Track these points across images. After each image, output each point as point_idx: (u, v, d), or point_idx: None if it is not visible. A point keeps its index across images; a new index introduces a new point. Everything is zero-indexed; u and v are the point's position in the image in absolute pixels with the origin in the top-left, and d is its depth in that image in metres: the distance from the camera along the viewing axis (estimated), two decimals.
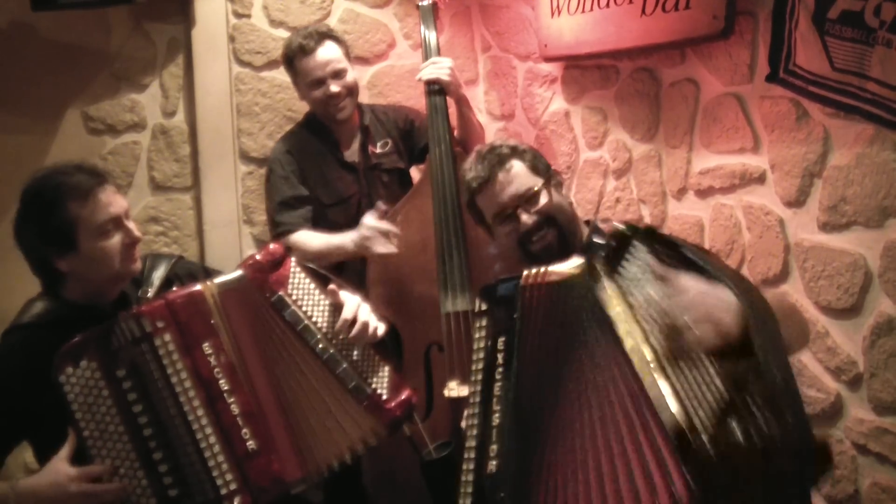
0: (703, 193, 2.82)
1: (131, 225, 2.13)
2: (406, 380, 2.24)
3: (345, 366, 2.15)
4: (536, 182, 2.27)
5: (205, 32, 3.57)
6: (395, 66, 3.78)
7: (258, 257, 2.17)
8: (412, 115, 3.44)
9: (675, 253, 1.75)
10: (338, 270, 3.19)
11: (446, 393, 3.01)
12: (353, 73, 3.26)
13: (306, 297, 2.19)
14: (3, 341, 2.15)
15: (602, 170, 3.24)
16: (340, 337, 2.17)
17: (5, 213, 3.45)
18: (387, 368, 2.21)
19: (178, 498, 1.97)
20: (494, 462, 1.84)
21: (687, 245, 1.82)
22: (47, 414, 2.00)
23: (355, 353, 2.19)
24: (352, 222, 3.22)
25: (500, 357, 1.91)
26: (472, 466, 1.89)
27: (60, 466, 1.94)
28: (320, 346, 2.14)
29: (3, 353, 2.12)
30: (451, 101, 3.23)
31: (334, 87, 3.16)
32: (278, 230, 3.19)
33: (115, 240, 2.09)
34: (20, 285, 3.33)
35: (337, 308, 2.20)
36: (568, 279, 1.85)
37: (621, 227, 1.77)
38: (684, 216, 2.90)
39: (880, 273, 2.27)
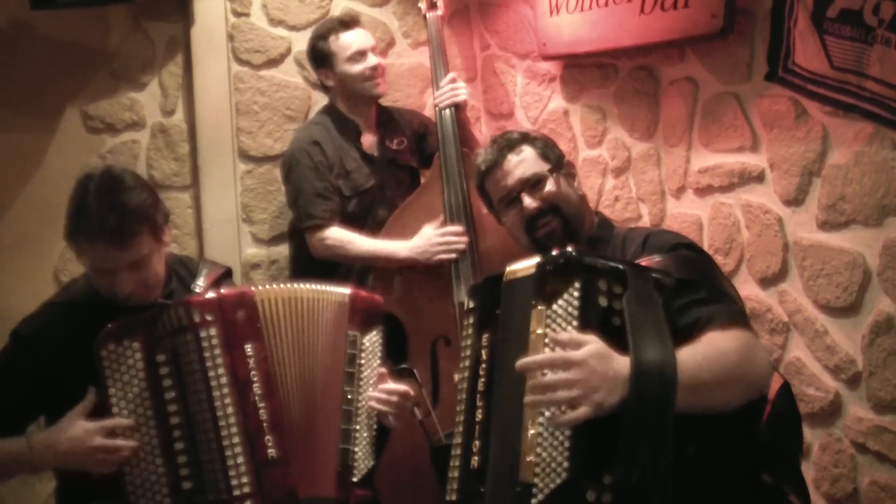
0: (702, 192, 2.82)
1: (135, 275, 2.06)
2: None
3: (349, 428, 2.16)
4: (543, 168, 2.23)
5: (204, 31, 3.57)
6: (394, 65, 3.78)
7: (364, 294, 2.24)
8: (426, 121, 3.54)
9: (616, 297, 1.68)
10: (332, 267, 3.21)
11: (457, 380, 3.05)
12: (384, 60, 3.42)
13: (370, 356, 2.23)
14: (45, 313, 2.17)
15: (601, 168, 3.24)
16: (366, 402, 2.20)
17: (5, 212, 3.48)
18: (373, 462, 2.22)
19: (191, 492, 1.99)
20: (477, 458, 1.85)
21: (642, 281, 1.72)
22: (75, 392, 2.02)
23: (365, 428, 2.19)
24: (368, 213, 3.27)
25: (483, 353, 1.91)
26: (457, 463, 1.89)
27: (78, 421, 1.97)
28: (348, 396, 2.16)
29: (44, 324, 2.14)
30: None
31: (375, 59, 3.27)
32: (311, 222, 3.18)
33: (101, 280, 2.08)
34: (20, 285, 3.36)
35: (381, 380, 2.26)
36: (519, 279, 1.85)
37: (574, 254, 1.72)
38: (683, 215, 2.90)
39: (879, 272, 2.28)
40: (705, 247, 2.79)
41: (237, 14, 3.60)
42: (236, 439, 2.01)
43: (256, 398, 2.05)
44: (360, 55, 3.25)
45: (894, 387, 2.27)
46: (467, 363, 1.96)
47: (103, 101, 3.55)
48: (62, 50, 3.47)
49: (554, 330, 1.68)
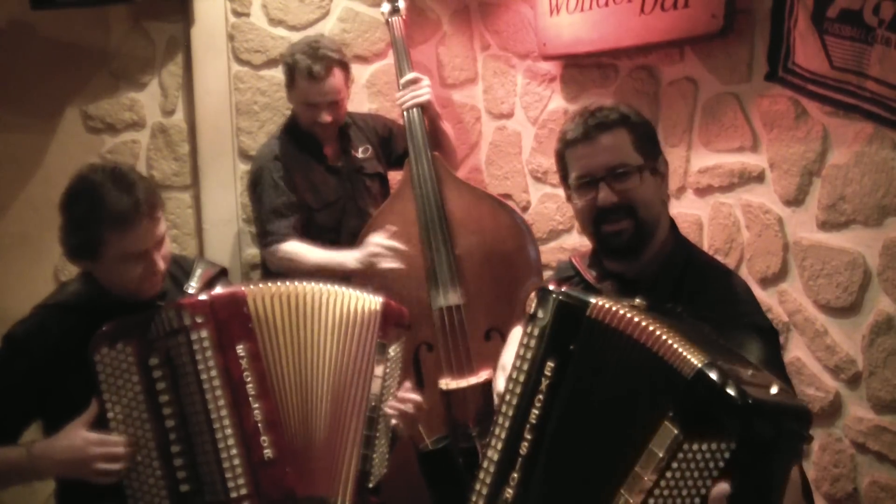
0: (702, 192, 2.82)
1: (160, 254, 2.09)
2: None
3: (370, 434, 2.15)
4: (634, 161, 1.96)
5: (204, 31, 3.57)
6: (393, 65, 3.78)
7: (395, 304, 2.23)
8: (390, 124, 3.53)
9: (759, 457, 1.47)
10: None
11: (443, 386, 3.04)
12: (348, 98, 3.35)
13: (394, 366, 2.24)
14: (38, 316, 2.16)
15: None
16: (386, 409, 2.21)
17: (5, 212, 3.48)
18: (385, 469, 2.21)
19: (189, 494, 1.98)
20: (511, 491, 1.75)
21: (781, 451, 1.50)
22: (69, 395, 2.02)
23: (384, 436, 2.20)
24: (338, 226, 3.28)
25: (543, 383, 1.72)
26: (488, 480, 1.78)
27: (80, 431, 1.97)
28: (372, 403, 2.16)
29: (37, 328, 2.13)
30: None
31: (326, 118, 3.22)
32: (268, 239, 3.20)
33: (136, 267, 2.07)
34: (20, 285, 3.35)
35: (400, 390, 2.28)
36: (644, 352, 1.60)
37: (768, 425, 1.44)
38: (683, 215, 2.90)
39: (879, 271, 2.28)
40: (705, 247, 2.79)
41: (237, 14, 3.61)
42: (231, 440, 2.01)
43: (251, 398, 2.05)
44: (312, 108, 3.22)
45: (894, 387, 2.27)
46: (521, 379, 1.77)
47: (103, 101, 3.55)
48: (62, 50, 3.48)
49: (681, 471, 1.49)
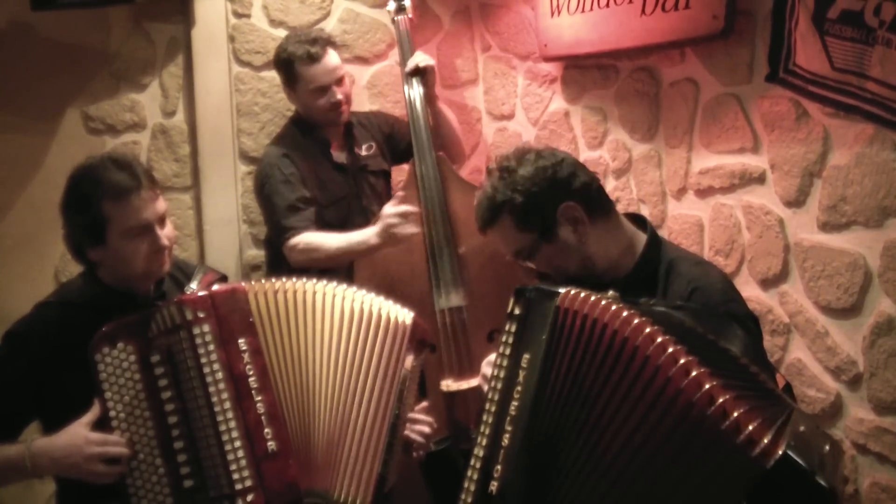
0: (703, 193, 2.82)
1: (163, 231, 2.14)
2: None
3: (392, 440, 2.15)
4: (523, 242, 2.05)
5: (204, 32, 3.57)
6: (394, 66, 3.78)
7: (420, 320, 2.23)
8: (392, 119, 3.56)
9: None
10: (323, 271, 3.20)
11: (444, 388, 3.03)
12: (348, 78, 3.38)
13: (413, 376, 2.23)
14: (39, 314, 2.17)
15: (602, 169, 3.24)
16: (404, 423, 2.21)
17: (5, 213, 3.48)
18: (396, 477, 2.21)
19: (192, 489, 1.99)
20: (496, 484, 1.78)
21: None
22: (69, 393, 2.03)
23: (400, 445, 2.21)
24: (345, 222, 3.27)
25: (521, 375, 1.78)
26: (476, 477, 1.83)
27: (81, 430, 1.98)
28: (396, 412, 2.16)
29: (38, 325, 2.14)
30: None
31: (338, 95, 3.23)
32: (287, 234, 3.15)
33: (142, 243, 2.10)
34: (20, 285, 3.36)
35: (422, 410, 2.31)
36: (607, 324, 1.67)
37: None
38: (684, 216, 2.90)
39: (880, 273, 2.27)
40: (706, 248, 2.80)
41: (238, 15, 3.61)
42: (235, 434, 2.02)
43: (253, 392, 2.06)
44: (323, 90, 3.22)
45: (895, 388, 2.27)
46: (501, 375, 1.83)
47: (104, 102, 3.55)
48: (63, 51, 3.48)
49: None
